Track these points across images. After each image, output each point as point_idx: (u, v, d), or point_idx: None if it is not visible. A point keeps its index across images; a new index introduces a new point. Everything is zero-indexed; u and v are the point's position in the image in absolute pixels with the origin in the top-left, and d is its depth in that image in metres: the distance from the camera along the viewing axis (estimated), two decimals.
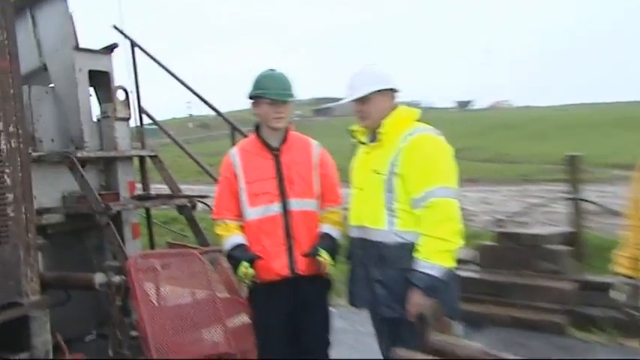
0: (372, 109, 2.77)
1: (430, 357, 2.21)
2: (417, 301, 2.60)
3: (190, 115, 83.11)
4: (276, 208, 2.93)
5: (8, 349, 3.09)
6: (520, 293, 5.52)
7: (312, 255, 2.87)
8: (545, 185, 13.29)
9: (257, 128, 3.01)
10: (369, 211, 2.78)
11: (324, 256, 2.87)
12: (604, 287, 4.89)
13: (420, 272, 2.60)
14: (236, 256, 2.91)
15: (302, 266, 2.90)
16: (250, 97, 2.99)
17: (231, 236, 2.95)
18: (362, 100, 2.75)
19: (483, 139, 34.54)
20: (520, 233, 5.86)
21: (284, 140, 2.98)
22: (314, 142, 3.10)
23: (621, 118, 34.25)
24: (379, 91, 2.73)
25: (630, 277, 2.88)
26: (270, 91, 2.91)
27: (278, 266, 2.90)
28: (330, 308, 3.11)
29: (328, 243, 2.93)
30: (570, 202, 6.04)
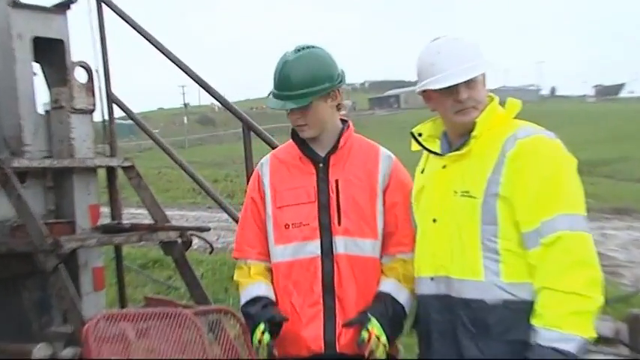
0: (481, 95, 2.44)
1: None
2: None
3: (185, 105, 77.92)
4: (313, 247, 2.56)
5: None
6: None
7: (356, 324, 2.50)
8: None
9: (295, 131, 2.75)
10: (454, 255, 2.47)
11: (375, 330, 2.45)
12: None
13: (545, 347, 2.25)
14: (252, 313, 2.57)
15: (345, 340, 2.53)
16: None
17: (252, 284, 2.64)
18: (469, 83, 2.39)
19: (636, 147, 29.14)
20: None
21: (335, 147, 2.64)
22: (383, 152, 2.74)
23: None
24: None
25: None
26: (272, 96, 2.64)
27: (309, 336, 2.54)
28: None
29: (386, 309, 2.55)
30: None
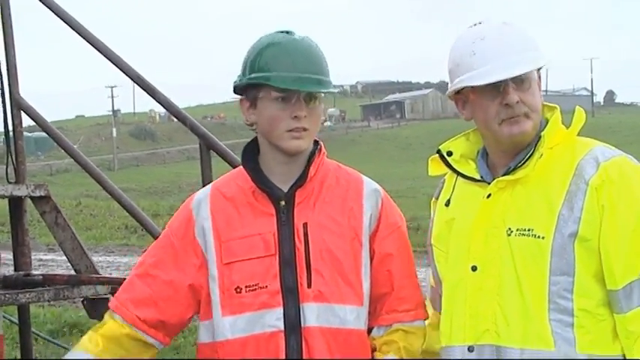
0: (537, 99, 2.10)
1: None
2: None
3: (115, 112, 68.86)
4: (274, 319, 2.08)
5: None
6: None
7: None
8: None
9: (250, 154, 2.21)
10: (508, 315, 2.10)
11: None
12: None
13: None
14: None
15: None
16: (239, 89, 2.15)
17: (83, 350, 2.14)
18: (524, 81, 2.05)
19: None
20: None
21: (303, 178, 2.14)
22: (368, 184, 2.25)
23: None
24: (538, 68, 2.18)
25: None
26: (280, 73, 2.08)
27: None
28: None
29: None
30: None
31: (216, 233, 2.20)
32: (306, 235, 2.16)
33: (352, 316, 2.18)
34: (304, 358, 2.14)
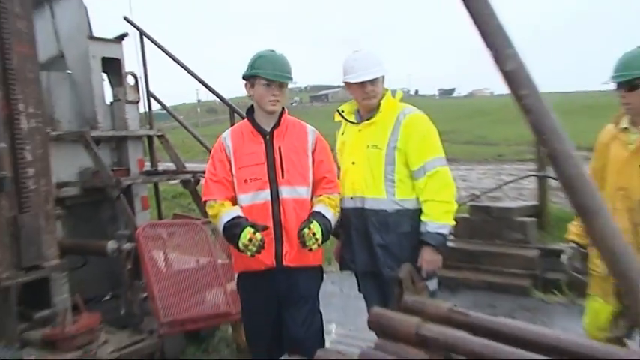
0: (379, 88, 2.81)
1: (404, 315, 2.20)
2: (430, 258, 2.74)
3: (199, 100, 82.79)
4: (265, 195, 2.68)
5: (32, 307, 3.24)
6: (491, 260, 6.02)
7: (305, 227, 2.60)
8: (517, 165, 13.31)
9: (250, 111, 2.82)
10: (367, 183, 2.81)
11: (314, 228, 2.58)
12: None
13: (433, 232, 2.72)
14: (238, 224, 2.60)
15: (290, 257, 2.68)
16: (245, 77, 2.76)
17: (227, 211, 2.66)
18: (373, 81, 2.78)
19: (463, 124, 36.83)
20: (491, 207, 6.48)
21: (277, 124, 2.76)
22: (309, 128, 2.84)
23: (584, 106, 34.70)
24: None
25: (579, 245, 2.95)
26: (266, 71, 2.66)
27: (265, 256, 2.65)
28: (318, 303, 2.87)
29: (321, 219, 2.66)
30: (537, 179, 6.07)
31: (234, 152, 2.73)
32: (280, 152, 2.69)
33: (304, 192, 2.73)
34: (282, 216, 2.64)
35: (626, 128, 2.68)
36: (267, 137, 2.71)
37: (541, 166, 6.75)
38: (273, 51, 2.73)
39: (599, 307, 2.80)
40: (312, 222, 2.60)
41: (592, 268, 2.86)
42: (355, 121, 2.92)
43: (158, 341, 3.40)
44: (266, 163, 2.67)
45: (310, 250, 2.58)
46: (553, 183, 6.89)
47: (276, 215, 2.66)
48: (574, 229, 2.97)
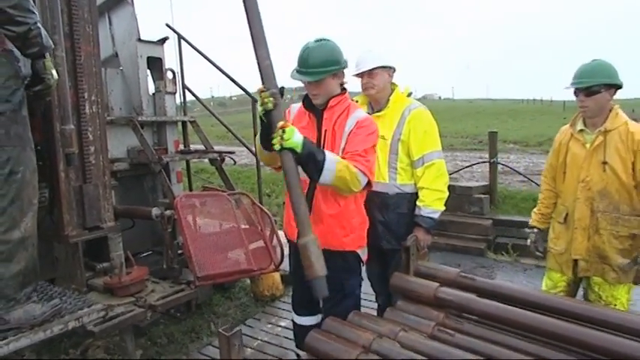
0: (376, 81, 2.66)
1: (423, 280, 2.09)
2: (422, 237, 2.65)
3: (212, 96, 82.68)
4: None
5: (95, 260, 3.39)
6: (455, 228, 6.24)
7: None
8: (466, 152, 13.32)
9: (305, 97, 2.45)
10: (381, 170, 2.67)
11: (288, 131, 1.99)
12: (509, 224, 5.95)
13: (425, 216, 2.64)
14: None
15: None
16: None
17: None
18: (369, 73, 2.66)
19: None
20: (455, 186, 6.65)
21: (326, 106, 2.38)
22: (354, 115, 2.34)
23: (510, 110, 37.69)
24: (382, 67, 2.66)
25: (540, 229, 2.91)
26: (294, 69, 2.32)
27: (292, 228, 2.44)
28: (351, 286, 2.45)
29: (312, 147, 2.12)
30: (489, 164, 6.09)
31: (293, 121, 2.37)
32: (326, 131, 2.35)
33: (338, 155, 2.26)
34: (315, 196, 2.29)
35: (582, 130, 2.64)
36: (318, 117, 2.41)
37: (492, 154, 6.70)
38: (318, 40, 2.28)
39: (556, 277, 2.78)
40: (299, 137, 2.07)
41: (551, 246, 2.83)
42: (367, 112, 2.77)
43: (194, 291, 3.37)
44: (316, 137, 2.36)
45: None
46: (499, 168, 7.20)
47: (310, 193, 2.35)
48: (535, 216, 2.94)
